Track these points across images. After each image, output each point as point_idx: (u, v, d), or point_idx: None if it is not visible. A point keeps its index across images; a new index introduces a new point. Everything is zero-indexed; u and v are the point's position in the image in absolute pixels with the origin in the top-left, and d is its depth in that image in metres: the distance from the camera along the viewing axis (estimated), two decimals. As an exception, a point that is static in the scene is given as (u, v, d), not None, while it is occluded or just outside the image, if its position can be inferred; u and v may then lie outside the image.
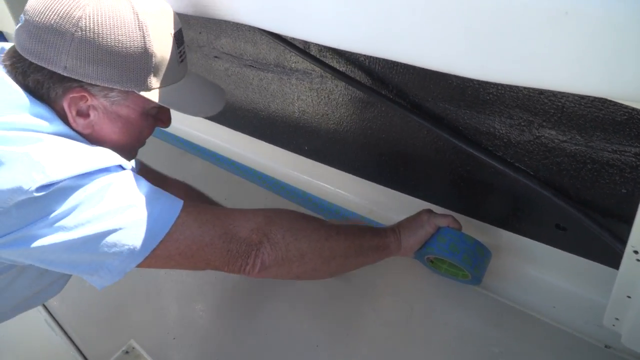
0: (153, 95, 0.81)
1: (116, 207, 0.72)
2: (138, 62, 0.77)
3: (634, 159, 0.79)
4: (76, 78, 0.75)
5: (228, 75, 1.49)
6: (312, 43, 1.13)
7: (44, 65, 0.74)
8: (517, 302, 1.05)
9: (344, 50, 1.10)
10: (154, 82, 0.80)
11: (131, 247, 0.73)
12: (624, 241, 0.76)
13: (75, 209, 0.70)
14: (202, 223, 0.80)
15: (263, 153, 1.54)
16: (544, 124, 0.87)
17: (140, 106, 0.83)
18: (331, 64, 1.12)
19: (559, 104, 0.83)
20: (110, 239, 0.72)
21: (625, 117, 0.76)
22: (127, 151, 0.87)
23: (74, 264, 0.73)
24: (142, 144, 0.92)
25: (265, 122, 1.48)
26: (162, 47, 0.80)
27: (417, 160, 1.15)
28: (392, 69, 1.04)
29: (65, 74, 0.74)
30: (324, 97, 1.24)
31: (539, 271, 1.05)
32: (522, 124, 0.90)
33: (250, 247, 0.84)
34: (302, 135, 1.39)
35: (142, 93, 0.80)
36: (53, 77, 0.75)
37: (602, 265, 0.95)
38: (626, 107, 0.75)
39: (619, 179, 0.83)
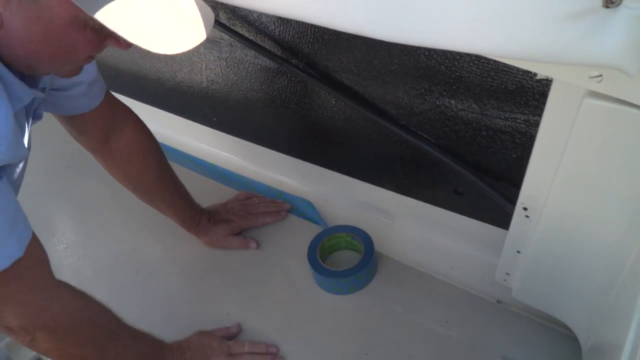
0: (86, 3, 0.59)
1: None
2: None
3: (523, 125, 0.86)
4: None
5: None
6: (221, 9, 1.11)
7: None
8: (418, 264, 1.12)
9: (254, 19, 1.10)
10: None
11: None
12: (515, 203, 0.83)
13: None
14: None
15: (169, 125, 1.51)
16: (444, 93, 0.92)
17: (71, 12, 0.62)
18: (240, 32, 1.12)
19: (457, 74, 0.88)
20: None
21: (516, 86, 0.82)
22: (50, 67, 0.72)
23: None
24: (79, 61, 0.73)
25: (172, 93, 1.45)
26: None
27: (326, 130, 1.17)
28: (301, 38, 1.06)
29: None
30: (233, 67, 1.23)
31: (438, 235, 1.11)
32: (424, 93, 0.94)
33: (19, 336, 0.76)
34: (211, 106, 1.38)
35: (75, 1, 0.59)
36: None
37: (496, 228, 1.02)
38: (517, 77, 0.81)
39: (510, 144, 0.89)
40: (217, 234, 1.19)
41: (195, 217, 1.19)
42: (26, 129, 0.78)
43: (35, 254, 0.75)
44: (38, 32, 0.64)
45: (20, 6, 0.61)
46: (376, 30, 0.58)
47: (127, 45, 0.66)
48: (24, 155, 0.75)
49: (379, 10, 0.56)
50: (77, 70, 0.76)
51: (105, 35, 0.68)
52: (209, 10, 0.72)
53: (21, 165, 0.80)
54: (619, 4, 0.44)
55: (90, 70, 0.95)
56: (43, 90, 0.81)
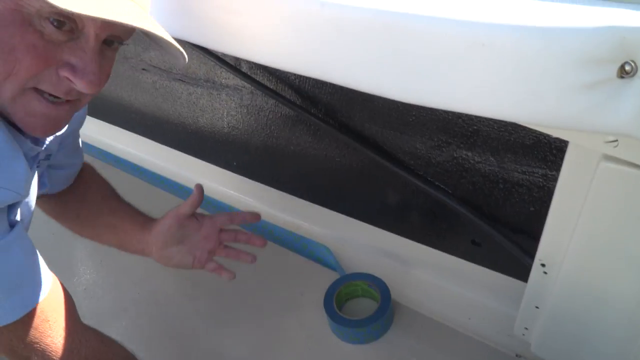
0: None
1: None
2: None
3: (540, 180, 0.86)
4: None
5: (156, 88, 1.47)
6: (244, 60, 1.14)
7: None
8: (435, 313, 1.11)
9: (275, 68, 1.13)
10: None
11: None
12: (532, 256, 0.82)
13: None
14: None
15: (190, 168, 1.53)
16: (461, 145, 0.93)
17: None
18: (262, 81, 1.15)
19: (475, 127, 0.89)
20: None
21: (533, 141, 0.83)
22: None
23: None
24: (21, 84, 0.59)
25: (193, 137, 1.48)
26: None
27: (344, 177, 1.18)
28: (321, 88, 1.08)
29: None
30: (254, 114, 1.26)
31: (456, 284, 1.10)
32: (442, 145, 0.95)
33: None
34: (231, 151, 1.40)
35: None
36: None
37: (513, 279, 1.02)
38: (534, 132, 0.82)
39: (527, 197, 0.89)
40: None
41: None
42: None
43: (60, 297, 0.76)
44: None
45: None
46: (393, 93, 0.59)
47: (83, 74, 0.60)
48: (32, 192, 0.75)
49: (397, 75, 0.57)
50: (27, 108, 0.62)
51: (57, 58, 0.59)
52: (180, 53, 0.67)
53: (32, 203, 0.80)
54: (634, 75, 0.46)
55: (80, 155, 1.01)
56: (48, 157, 0.83)
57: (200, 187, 1.03)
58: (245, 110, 1.27)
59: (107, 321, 1.20)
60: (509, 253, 0.92)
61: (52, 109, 0.63)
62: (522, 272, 0.93)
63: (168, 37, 0.64)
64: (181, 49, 0.66)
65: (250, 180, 1.41)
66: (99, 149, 1.78)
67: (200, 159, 1.51)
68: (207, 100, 1.35)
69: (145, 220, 1.03)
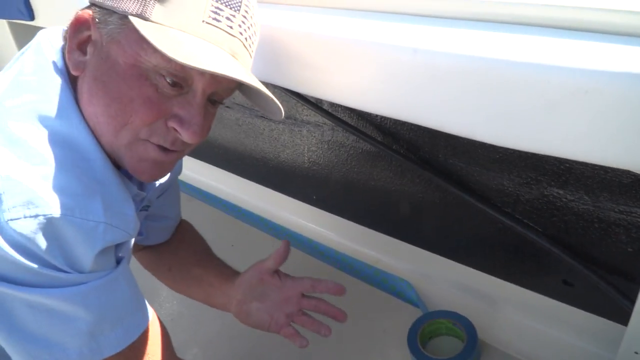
0: (145, 28, 0.60)
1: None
2: None
3: (639, 220, 0.82)
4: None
5: (239, 124, 1.53)
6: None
7: None
8: (525, 355, 1.07)
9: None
10: (156, 11, 0.61)
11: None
12: (629, 298, 0.79)
13: None
14: None
15: (271, 201, 1.57)
16: (552, 183, 0.90)
17: (134, 50, 0.62)
18: (343, 118, 1.17)
19: (567, 165, 0.86)
20: None
21: (631, 180, 0.80)
22: (107, 127, 0.66)
23: None
24: (136, 133, 0.67)
25: (275, 171, 1.52)
26: None
27: (426, 213, 1.18)
28: (403, 124, 1.09)
29: None
30: (335, 149, 1.28)
31: (547, 325, 1.06)
32: (531, 182, 0.93)
33: None
34: (311, 185, 1.43)
35: (133, 20, 0.60)
36: None
37: (608, 321, 0.97)
38: (631, 170, 0.79)
39: (625, 238, 0.86)
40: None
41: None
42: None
43: (158, 330, 0.78)
44: (104, 71, 0.64)
45: (102, 47, 0.64)
46: (488, 136, 0.59)
47: (189, 126, 0.66)
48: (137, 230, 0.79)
49: (493, 118, 0.57)
50: (140, 155, 0.69)
51: (167, 110, 0.66)
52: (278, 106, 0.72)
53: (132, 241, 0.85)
54: None
55: (177, 209, 1.06)
56: (146, 207, 0.88)
57: (287, 244, 0.98)
58: (326, 146, 1.29)
59: (194, 352, 1.24)
60: (604, 294, 0.88)
61: (162, 155, 0.70)
62: (618, 314, 0.89)
63: (270, 94, 0.68)
64: (279, 104, 0.70)
65: (330, 214, 1.43)
66: (185, 183, 1.86)
67: (281, 192, 1.55)
68: (288, 136, 1.39)
69: (231, 274, 1.03)
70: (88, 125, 0.66)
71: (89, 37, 0.65)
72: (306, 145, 1.36)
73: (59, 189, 0.60)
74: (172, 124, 0.67)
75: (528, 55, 0.53)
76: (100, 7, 0.64)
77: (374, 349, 1.15)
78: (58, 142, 0.63)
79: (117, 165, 0.71)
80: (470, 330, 1.07)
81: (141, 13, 0.61)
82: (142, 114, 0.65)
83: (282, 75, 0.81)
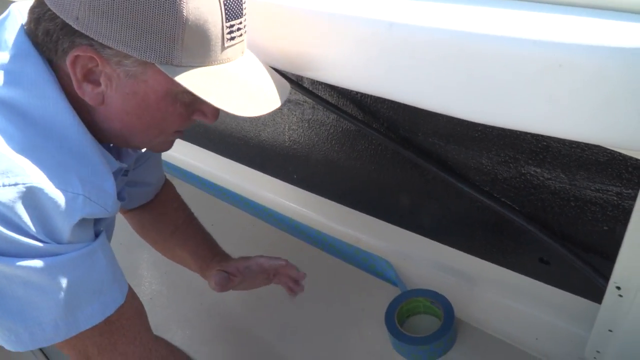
0: (177, 74, 0.63)
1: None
2: (162, 24, 0.61)
3: (615, 198, 0.82)
4: (87, 34, 0.62)
5: (219, 102, 1.51)
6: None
7: (57, 14, 0.62)
8: (501, 333, 1.08)
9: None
10: (182, 56, 0.63)
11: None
12: (604, 276, 0.79)
13: None
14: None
15: (252, 180, 1.56)
16: (530, 161, 0.90)
17: (164, 86, 0.66)
18: (323, 96, 1.15)
19: (544, 143, 0.86)
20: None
21: (607, 158, 0.80)
22: (142, 140, 0.75)
23: None
24: (168, 136, 0.77)
25: (255, 150, 1.51)
26: (200, 12, 0.62)
27: (406, 192, 1.17)
28: (383, 103, 1.08)
29: (76, 27, 0.62)
30: (315, 128, 1.27)
31: (523, 303, 1.07)
32: (509, 161, 0.93)
33: None
34: (292, 164, 1.42)
35: (162, 68, 0.63)
36: (64, 28, 0.63)
37: (583, 299, 0.98)
38: (608, 149, 0.79)
39: (601, 216, 0.86)
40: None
41: (208, 256, 1.12)
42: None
43: (134, 305, 0.78)
44: (134, 105, 0.68)
45: (120, 82, 0.66)
46: (466, 113, 0.59)
47: (213, 117, 0.74)
48: (118, 208, 0.79)
49: (470, 94, 0.57)
50: (167, 145, 0.80)
51: (193, 109, 0.73)
52: (284, 81, 0.79)
53: (114, 217, 0.86)
54: None
55: (160, 175, 1.08)
56: (126, 173, 0.88)
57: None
58: (306, 125, 1.28)
59: (173, 330, 1.24)
60: (580, 272, 0.88)
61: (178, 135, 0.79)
62: (593, 292, 0.90)
63: (270, 109, 0.72)
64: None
65: (310, 193, 1.42)
66: (165, 161, 1.83)
67: (262, 171, 1.54)
68: (269, 115, 1.37)
69: (207, 255, 1.12)
70: (69, 102, 0.66)
71: (93, 68, 0.65)
72: (287, 124, 1.34)
73: (38, 160, 0.60)
74: (196, 117, 0.74)
75: (502, 29, 0.52)
76: (108, 48, 0.63)
77: (352, 327, 1.15)
78: (35, 117, 0.63)
79: (98, 139, 0.70)
80: (448, 308, 1.08)
81: (166, 61, 0.63)
82: (176, 126, 0.74)
83: (261, 52, 0.79)
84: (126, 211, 1.10)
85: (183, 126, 0.75)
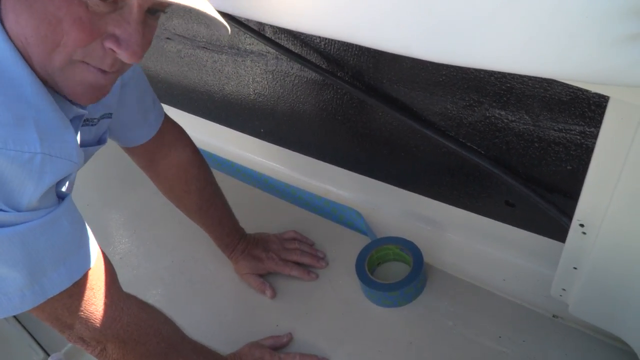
0: None
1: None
2: None
3: (578, 137, 0.83)
4: None
5: (181, 57, 1.46)
6: (267, 24, 1.12)
7: None
8: (469, 276, 1.10)
9: (300, 32, 1.10)
10: None
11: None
12: (569, 216, 0.80)
13: None
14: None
15: (218, 135, 1.53)
16: (494, 104, 0.90)
17: None
18: (286, 45, 1.12)
19: (508, 85, 0.86)
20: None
21: (570, 97, 0.79)
22: (40, 60, 0.60)
23: None
24: (69, 56, 0.60)
25: (220, 104, 1.47)
26: None
27: (373, 141, 1.17)
28: (347, 51, 1.05)
29: None
30: (280, 79, 1.24)
31: (490, 246, 1.09)
32: (473, 104, 0.92)
33: (90, 346, 0.78)
34: (258, 118, 1.39)
35: None
36: None
37: (548, 239, 1.00)
38: (571, 87, 0.78)
39: (564, 156, 0.87)
40: (242, 268, 1.19)
41: (232, 244, 1.18)
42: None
43: (104, 266, 0.77)
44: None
45: None
46: (424, 52, 0.57)
47: (129, 49, 0.60)
48: (83, 158, 0.75)
49: (427, 32, 0.55)
50: (79, 76, 0.63)
51: (102, 30, 0.59)
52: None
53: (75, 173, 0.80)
54: (683, 24, 0.42)
55: (147, 105, 0.99)
56: (109, 115, 0.85)
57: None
58: (270, 76, 1.25)
59: (144, 289, 1.23)
60: (545, 213, 0.89)
61: (101, 77, 0.64)
62: (558, 232, 0.91)
63: (212, 12, 0.62)
64: (224, 22, 0.65)
65: (278, 147, 1.41)
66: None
67: (228, 126, 1.51)
68: (232, 68, 1.34)
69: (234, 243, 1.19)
70: (17, 48, 0.59)
71: None
72: (251, 76, 1.31)
73: None
74: (108, 44, 0.60)
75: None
76: None
77: (323, 277, 1.16)
78: None
79: (53, 88, 0.64)
80: (417, 254, 1.09)
81: None
82: (73, 35, 0.58)
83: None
84: (132, 151, 1.07)
85: (83, 44, 0.59)
